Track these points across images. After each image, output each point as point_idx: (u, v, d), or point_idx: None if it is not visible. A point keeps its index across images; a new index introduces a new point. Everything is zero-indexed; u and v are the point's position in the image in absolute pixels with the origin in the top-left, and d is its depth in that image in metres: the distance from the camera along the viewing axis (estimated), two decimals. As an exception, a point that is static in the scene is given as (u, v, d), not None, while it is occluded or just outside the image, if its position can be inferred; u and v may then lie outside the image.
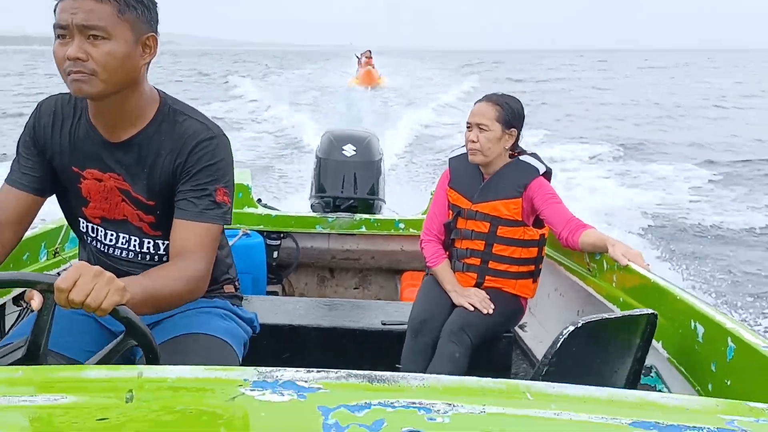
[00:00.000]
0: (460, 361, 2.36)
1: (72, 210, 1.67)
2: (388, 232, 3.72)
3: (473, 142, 2.50)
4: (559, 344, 1.48)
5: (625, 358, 1.72)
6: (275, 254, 3.68)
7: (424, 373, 2.38)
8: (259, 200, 3.85)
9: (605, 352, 1.68)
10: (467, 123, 2.54)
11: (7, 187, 1.61)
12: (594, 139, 14.34)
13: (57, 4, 1.42)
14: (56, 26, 1.40)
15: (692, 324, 1.73)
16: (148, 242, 1.64)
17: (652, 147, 13.79)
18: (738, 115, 20.61)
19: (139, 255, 1.65)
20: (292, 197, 8.07)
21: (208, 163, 1.54)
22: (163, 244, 1.64)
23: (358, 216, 3.69)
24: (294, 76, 36.50)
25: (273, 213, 3.70)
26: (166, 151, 1.55)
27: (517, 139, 2.56)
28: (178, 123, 1.56)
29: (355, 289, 4.02)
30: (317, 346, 2.62)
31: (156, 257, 1.65)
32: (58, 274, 1.34)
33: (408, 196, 8.24)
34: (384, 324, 2.68)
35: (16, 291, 2.29)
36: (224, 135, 1.60)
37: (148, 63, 1.52)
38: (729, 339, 1.55)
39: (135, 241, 1.64)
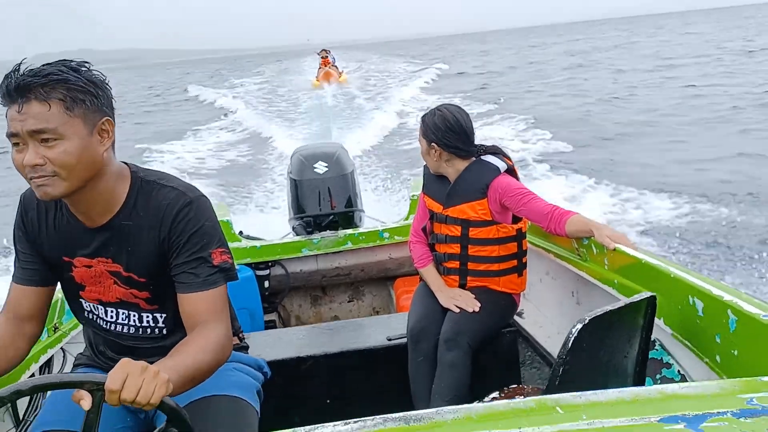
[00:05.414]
0: (461, 366, 2.36)
1: (71, 294, 1.67)
2: (373, 243, 3.73)
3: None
4: (570, 343, 1.49)
5: (633, 342, 1.75)
6: (266, 284, 3.67)
7: (431, 384, 2.39)
8: (241, 233, 3.82)
9: (614, 339, 1.70)
10: None
11: (15, 286, 1.63)
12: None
13: (6, 113, 1.39)
14: (9, 135, 1.39)
15: (690, 300, 1.75)
16: (147, 316, 1.64)
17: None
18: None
19: (140, 329, 1.65)
20: (272, 211, 8.01)
21: (193, 231, 1.52)
22: (161, 316, 1.64)
23: (341, 233, 3.69)
24: (255, 81, 35.96)
25: (258, 244, 3.67)
26: (147, 226, 1.53)
27: (462, 147, 2.51)
28: (152, 196, 1.54)
29: (349, 302, 4.02)
30: (328, 373, 2.62)
31: (156, 330, 1.65)
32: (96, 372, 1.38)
33: (384, 197, 8.24)
34: (389, 339, 2.68)
35: None
36: (202, 196, 1.58)
37: (110, 147, 1.49)
38: (729, 311, 1.58)
39: (134, 316, 1.63)
